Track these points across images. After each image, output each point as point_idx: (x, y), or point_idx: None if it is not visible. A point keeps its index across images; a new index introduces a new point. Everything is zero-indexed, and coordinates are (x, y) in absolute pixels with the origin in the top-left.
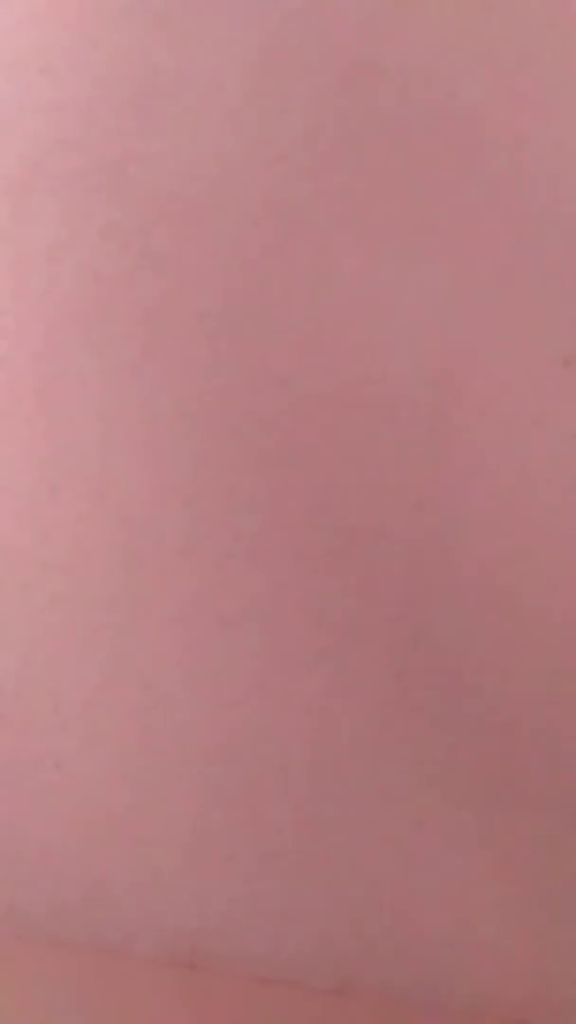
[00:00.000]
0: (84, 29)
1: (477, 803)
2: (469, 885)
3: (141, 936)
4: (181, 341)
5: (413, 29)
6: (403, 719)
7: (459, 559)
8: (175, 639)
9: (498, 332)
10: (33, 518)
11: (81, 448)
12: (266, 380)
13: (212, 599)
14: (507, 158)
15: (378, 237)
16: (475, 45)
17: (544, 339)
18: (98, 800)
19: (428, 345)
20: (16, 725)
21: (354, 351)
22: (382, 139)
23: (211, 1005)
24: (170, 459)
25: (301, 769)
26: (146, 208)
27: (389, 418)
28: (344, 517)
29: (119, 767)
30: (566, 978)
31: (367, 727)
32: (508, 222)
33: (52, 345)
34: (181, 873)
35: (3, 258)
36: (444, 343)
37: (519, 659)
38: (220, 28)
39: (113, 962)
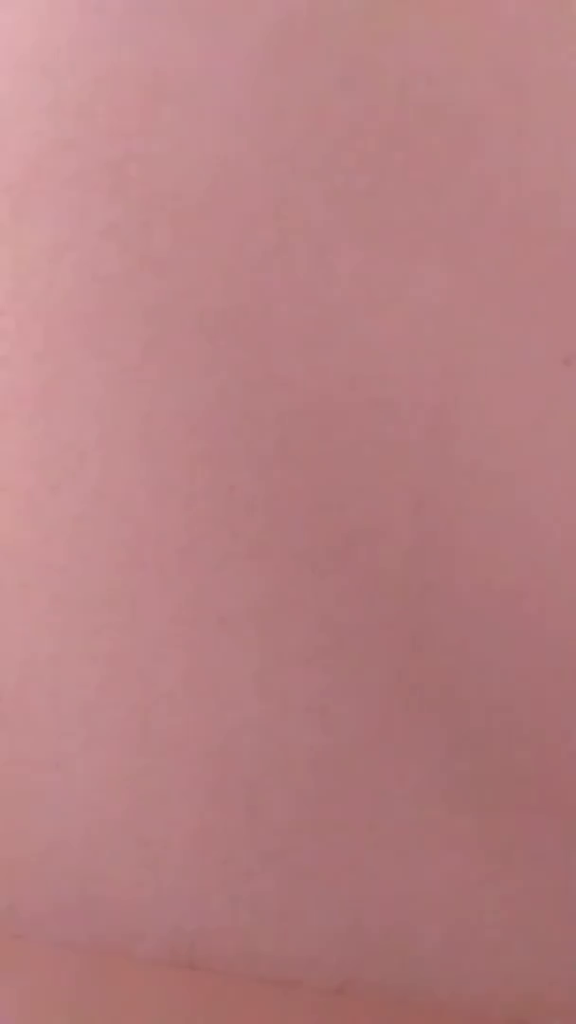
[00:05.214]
0: (84, 29)
1: (477, 804)
2: (469, 885)
3: (141, 936)
4: (181, 341)
5: (413, 29)
6: (403, 719)
7: (459, 559)
8: (175, 639)
9: (498, 332)
10: (33, 518)
11: (81, 448)
12: (266, 380)
13: (212, 599)
14: (506, 158)
15: (378, 237)
16: (475, 45)
17: (544, 339)
18: (98, 800)
19: (428, 345)
20: (16, 725)
21: (354, 351)
22: (382, 139)
23: (211, 1005)
24: (170, 459)
25: (301, 769)
26: (146, 208)
27: (389, 418)
28: (344, 517)
29: (119, 767)
30: (566, 978)
31: (367, 727)
32: (508, 222)
33: (52, 345)
34: (181, 873)
35: (3, 258)
36: (444, 343)
37: (519, 659)
38: (220, 29)
39: (113, 962)
